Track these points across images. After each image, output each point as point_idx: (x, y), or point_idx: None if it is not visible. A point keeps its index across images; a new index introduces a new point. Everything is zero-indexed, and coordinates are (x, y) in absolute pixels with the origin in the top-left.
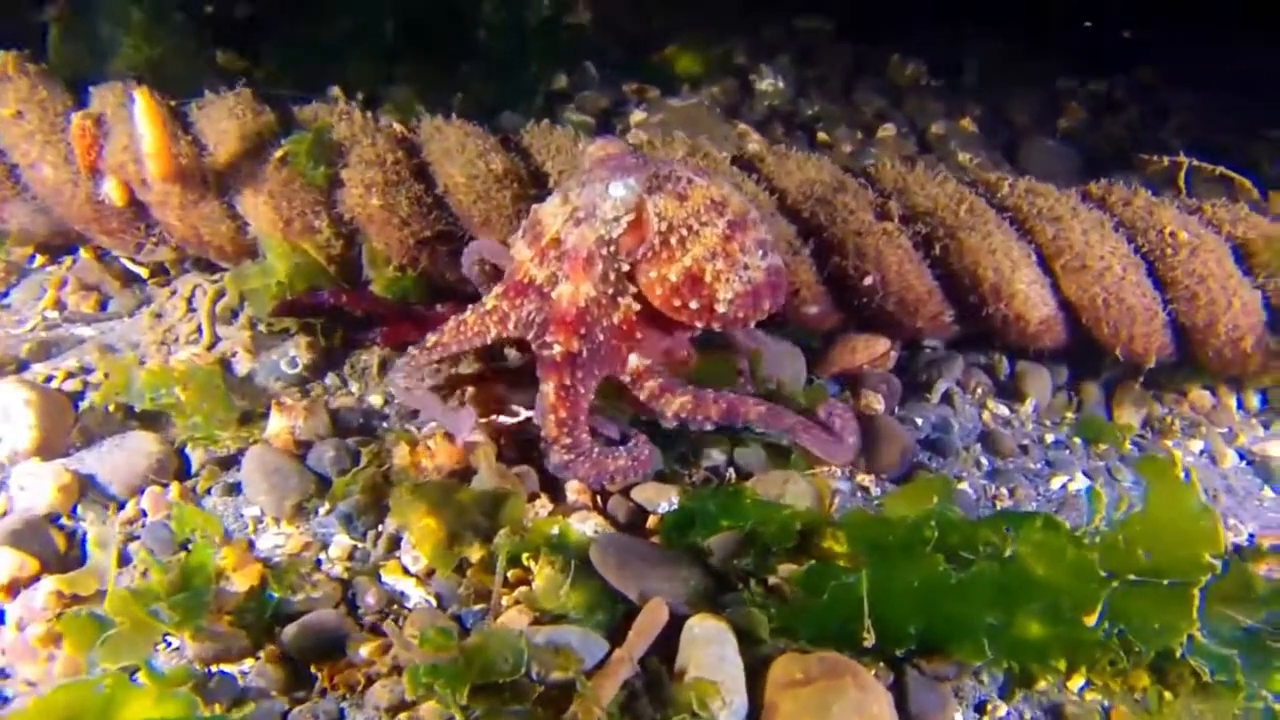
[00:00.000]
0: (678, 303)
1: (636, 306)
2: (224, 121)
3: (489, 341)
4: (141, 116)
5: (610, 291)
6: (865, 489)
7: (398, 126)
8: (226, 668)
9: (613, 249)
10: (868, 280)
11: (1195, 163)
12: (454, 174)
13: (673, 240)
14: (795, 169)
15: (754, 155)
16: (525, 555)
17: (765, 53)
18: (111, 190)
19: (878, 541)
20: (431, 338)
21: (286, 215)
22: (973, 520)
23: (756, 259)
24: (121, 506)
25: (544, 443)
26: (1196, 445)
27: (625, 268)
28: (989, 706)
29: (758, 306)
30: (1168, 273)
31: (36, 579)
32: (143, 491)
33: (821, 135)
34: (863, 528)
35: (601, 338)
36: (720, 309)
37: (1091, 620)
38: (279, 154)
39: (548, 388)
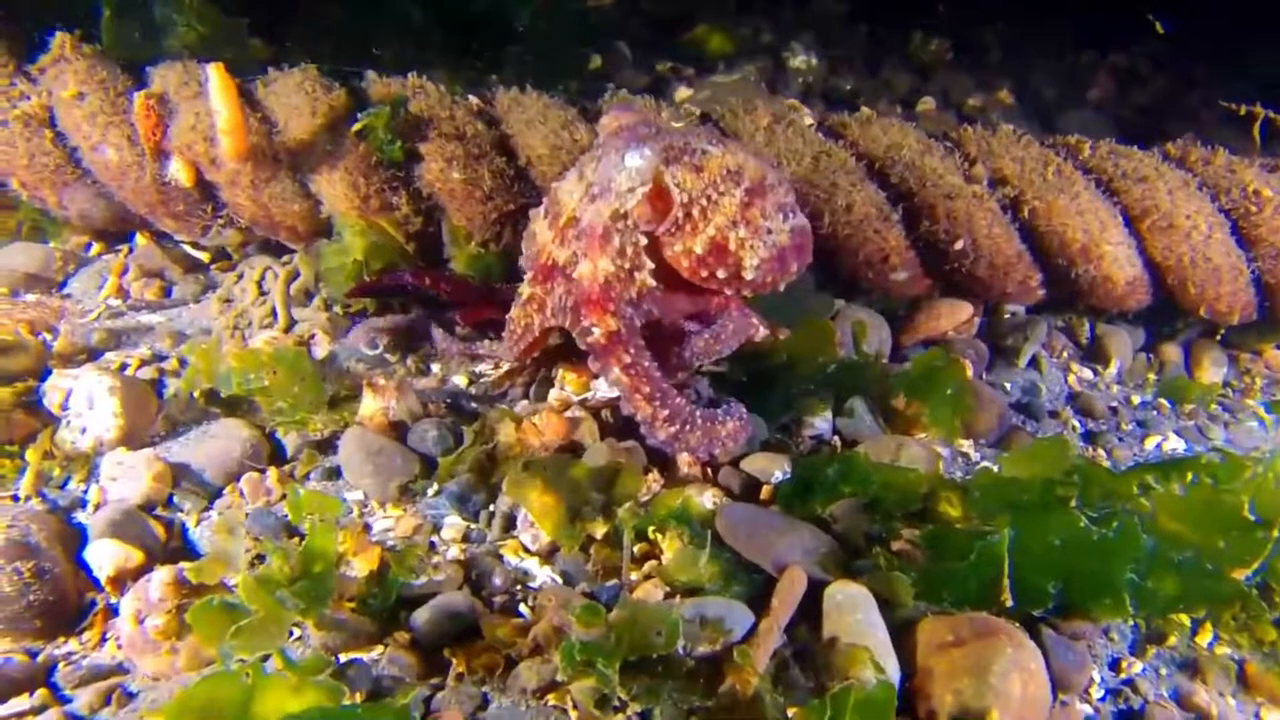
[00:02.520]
0: (705, 273)
1: (651, 282)
2: (294, 97)
3: (536, 333)
4: (216, 92)
5: (628, 266)
6: (965, 454)
7: (474, 99)
8: (357, 655)
9: (628, 223)
10: (959, 244)
11: (1271, 114)
12: (537, 145)
13: (694, 212)
14: (881, 134)
15: (838, 122)
16: (651, 529)
17: (786, 33)
18: (178, 171)
19: (1013, 501)
20: (506, 343)
21: (363, 192)
22: (1115, 472)
23: (779, 222)
24: (219, 494)
25: (644, 425)
26: None
27: (643, 241)
28: (1123, 664)
29: (785, 269)
30: (1252, 231)
31: (143, 570)
32: (239, 478)
33: (864, 110)
34: (996, 488)
35: (631, 311)
36: (748, 275)
37: (1247, 573)
38: (355, 128)
39: (614, 373)
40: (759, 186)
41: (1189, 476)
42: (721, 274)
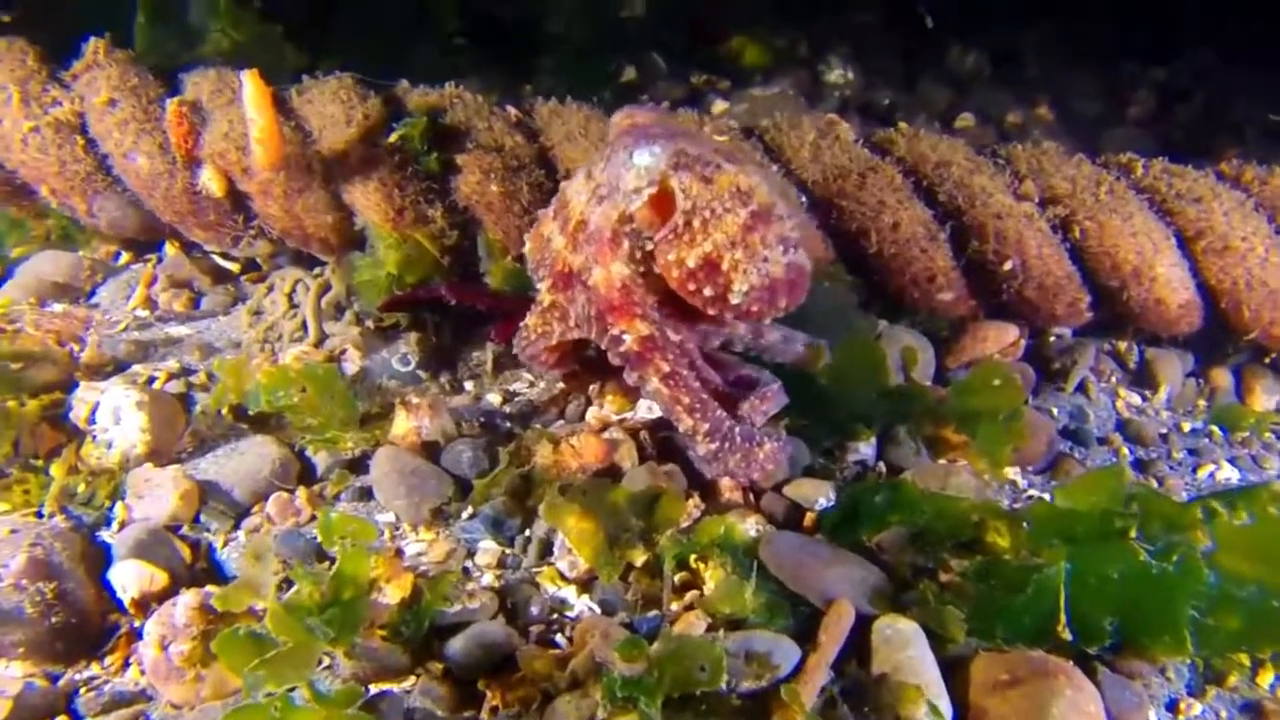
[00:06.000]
0: (693, 287)
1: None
2: (330, 106)
3: (554, 341)
4: (251, 100)
5: (641, 270)
6: (1012, 482)
7: (513, 110)
8: (388, 687)
9: (634, 225)
10: (1008, 265)
11: None
12: (578, 159)
13: (695, 223)
14: (929, 150)
15: (884, 137)
16: (693, 557)
17: (820, 45)
18: (210, 180)
19: (1069, 532)
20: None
21: (398, 204)
22: (1178, 502)
23: (778, 254)
24: (247, 513)
25: (686, 438)
26: None
27: (647, 245)
28: (1181, 705)
29: (774, 303)
30: None
31: (168, 593)
32: (268, 498)
33: (902, 125)
34: (1052, 518)
35: (657, 315)
36: (734, 300)
37: None
38: (391, 139)
39: (653, 385)
40: (765, 213)
41: (1258, 507)
42: (708, 292)
